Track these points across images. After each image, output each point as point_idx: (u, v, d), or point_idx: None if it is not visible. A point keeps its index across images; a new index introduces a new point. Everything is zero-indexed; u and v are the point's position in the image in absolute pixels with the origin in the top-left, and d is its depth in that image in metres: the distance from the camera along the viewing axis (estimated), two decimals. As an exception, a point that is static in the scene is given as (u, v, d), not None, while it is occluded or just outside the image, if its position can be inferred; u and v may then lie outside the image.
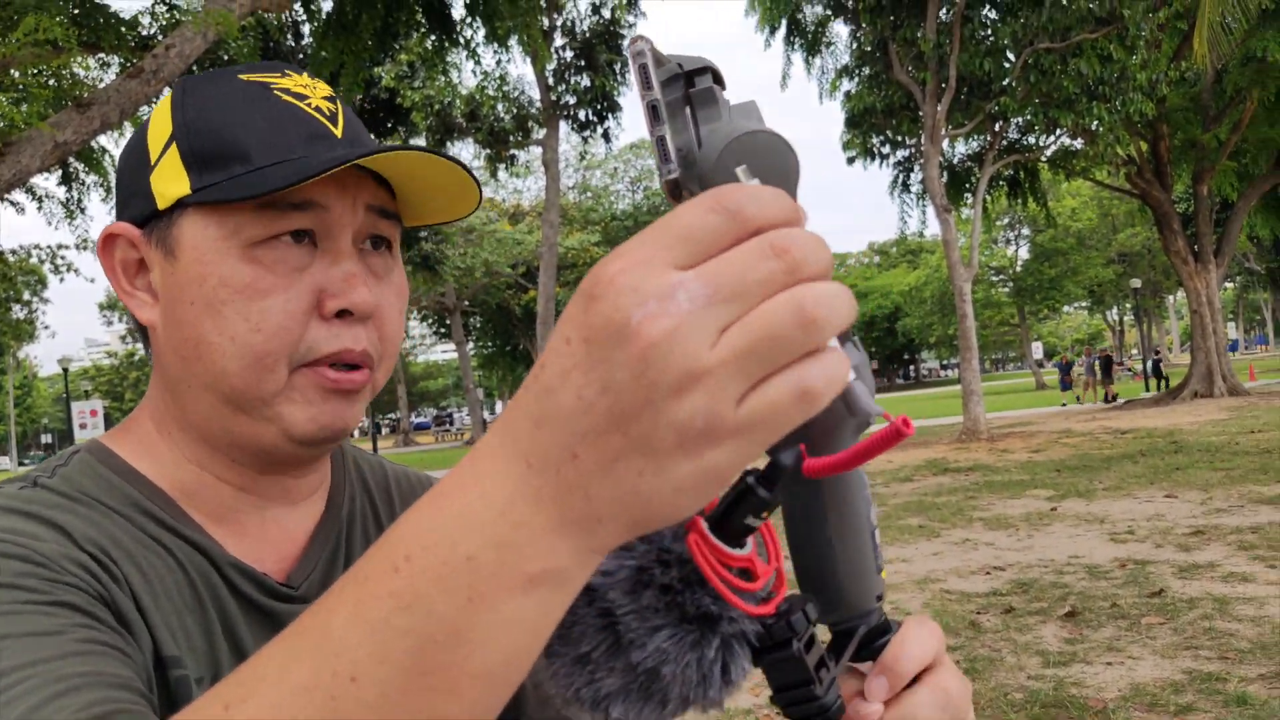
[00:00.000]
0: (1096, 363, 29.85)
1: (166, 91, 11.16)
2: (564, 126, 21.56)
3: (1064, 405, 29.68)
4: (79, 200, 15.51)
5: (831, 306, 0.37)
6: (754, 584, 0.49)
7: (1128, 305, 63.75)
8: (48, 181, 15.31)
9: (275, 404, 0.71)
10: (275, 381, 0.70)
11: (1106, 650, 4.97)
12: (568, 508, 0.38)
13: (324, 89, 0.77)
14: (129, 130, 12.68)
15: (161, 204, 0.71)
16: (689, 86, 0.47)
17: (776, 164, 0.46)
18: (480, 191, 0.77)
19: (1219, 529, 7.73)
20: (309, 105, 0.74)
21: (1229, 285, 69.92)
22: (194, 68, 12.69)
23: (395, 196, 0.76)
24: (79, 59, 11.90)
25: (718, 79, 0.49)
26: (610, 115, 20.98)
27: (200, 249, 0.70)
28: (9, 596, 0.58)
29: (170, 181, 0.71)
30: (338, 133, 0.74)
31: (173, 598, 0.69)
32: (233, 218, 0.69)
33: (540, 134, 21.43)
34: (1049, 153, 20.81)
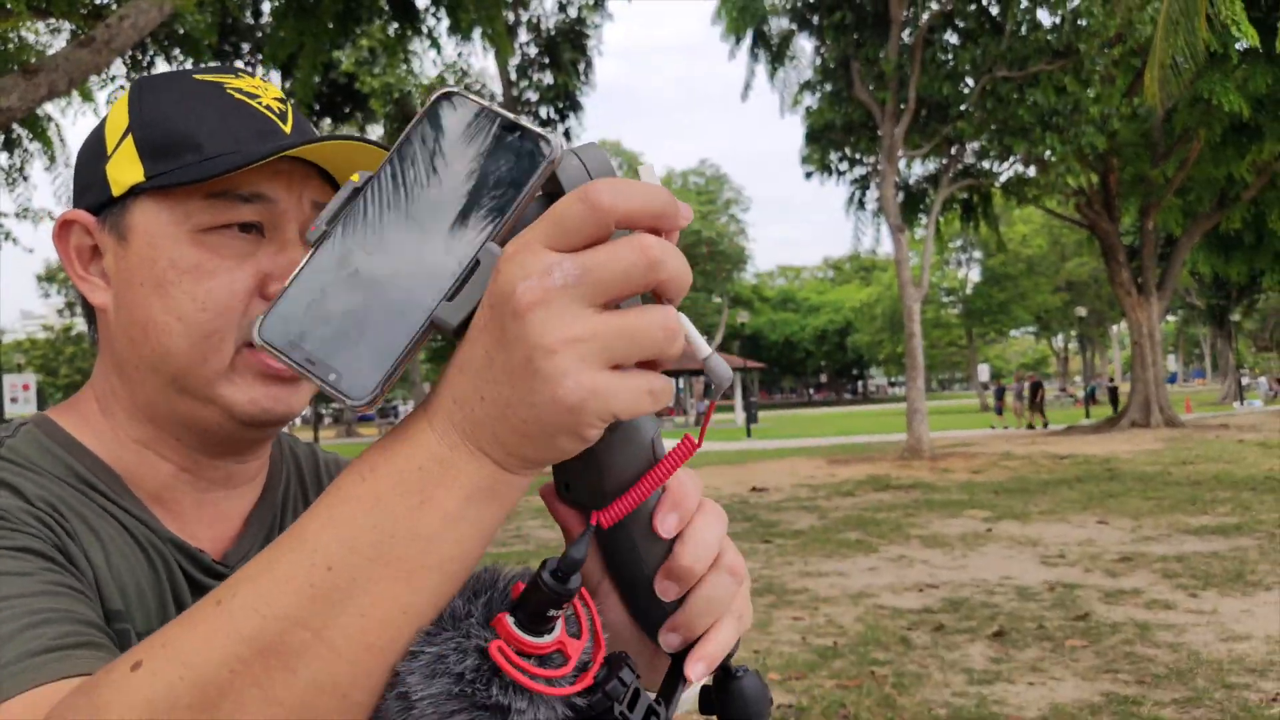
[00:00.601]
0: (1026, 388, 30.41)
1: (120, 81, 10.88)
2: (525, 122, 21.47)
3: (992, 428, 30.20)
4: (21, 167, 15.10)
5: (666, 264, 0.45)
6: (563, 669, 0.48)
7: (1073, 333, 65.11)
8: (-11, 147, 14.87)
9: (217, 385, 0.74)
10: (220, 360, 0.73)
11: (1030, 670, 5.04)
12: (479, 436, 0.46)
13: (274, 91, 0.81)
14: (77, 99, 12.37)
15: (116, 191, 0.74)
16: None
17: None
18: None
19: (1146, 556, 7.90)
20: (259, 104, 0.78)
21: (1170, 319, 71.77)
22: (147, 40, 12.42)
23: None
24: (28, 24, 11.57)
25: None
26: (572, 113, 20.92)
27: (151, 233, 0.73)
28: None
29: (125, 170, 0.74)
30: (286, 129, 0.78)
31: (125, 556, 0.72)
32: (183, 205, 0.73)
33: (501, 129, 21.29)
34: (1002, 179, 21.18)
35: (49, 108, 14.01)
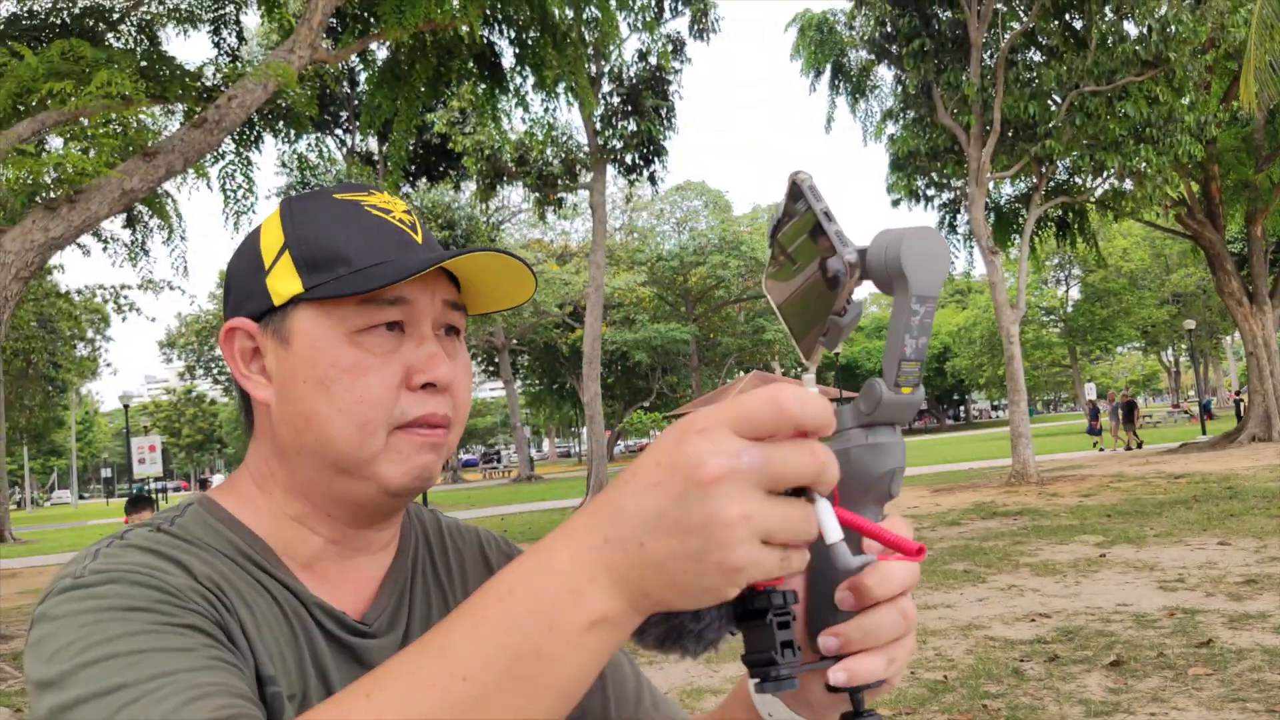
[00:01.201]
0: (1120, 409, 29.12)
1: (230, 157, 11.49)
2: (611, 170, 21.89)
3: (1100, 450, 29.12)
4: (143, 242, 16.03)
5: (831, 483, 0.56)
6: None
7: (1183, 346, 62.47)
8: (112, 224, 15.85)
9: (375, 464, 0.84)
10: (375, 444, 0.83)
11: (1151, 701, 4.92)
12: (626, 578, 0.54)
13: (401, 205, 0.92)
14: (192, 177, 13.14)
15: (277, 301, 0.85)
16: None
17: (936, 255, 0.62)
18: (536, 282, 0.93)
19: (1272, 578, 7.58)
20: (394, 218, 0.89)
21: (1289, 326, 68.22)
22: (254, 116, 13.15)
23: (460, 290, 0.92)
24: (145, 108, 12.38)
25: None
26: (656, 159, 21.26)
27: (312, 336, 0.84)
28: (148, 618, 0.72)
29: (285, 282, 0.85)
30: (418, 239, 0.89)
31: (272, 628, 0.82)
32: (338, 311, 0.83)
33: (587, 177, 21.78)
34: (1097, 194, 20.64)
35: (167, 186, 14.92)
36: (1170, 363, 71.05)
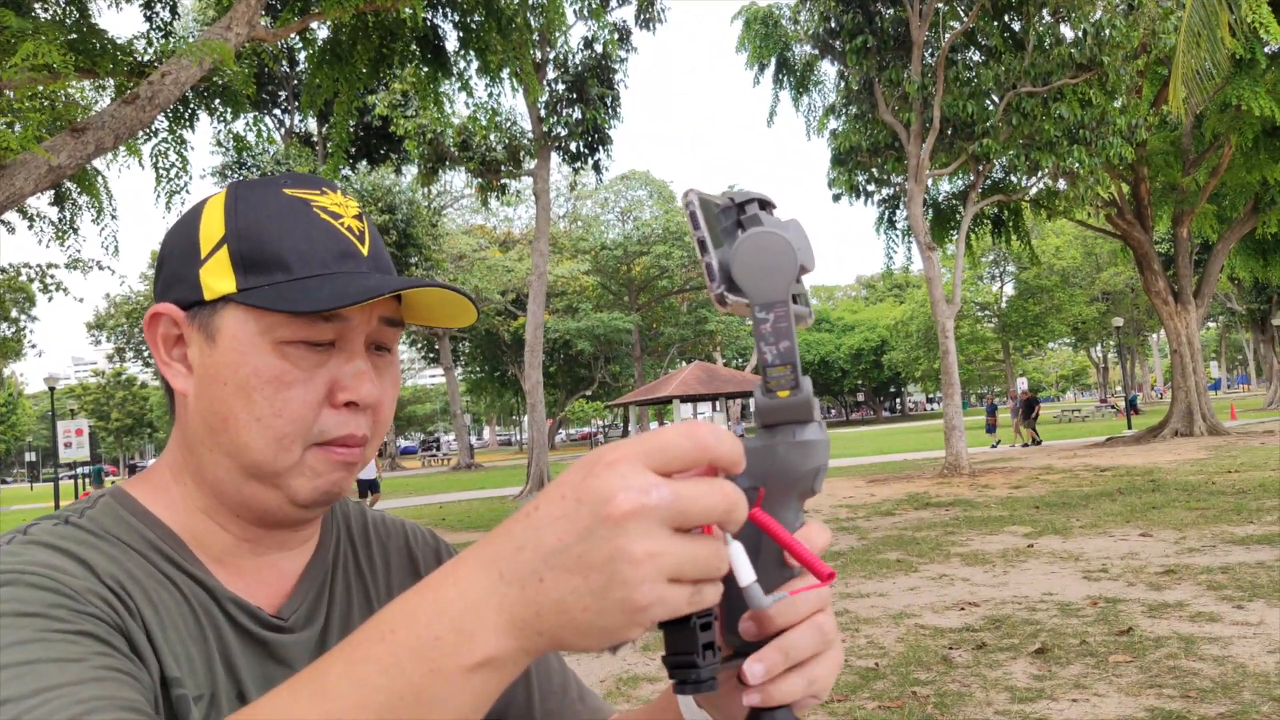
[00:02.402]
0: (1020, 406, 29.39)
1: (163, 135, 11.16)
2: (555, 157, 21.78)
3: (995, 445, 29.58)
4: (71, 220, 15.55)
5: (739, 521, 0.55)
6: None
7: (1111, 343, 64.25)
8: (39, 201, 15.35)
9: (286, 476, 0.82)
10: (290, 459, 0.81)
11: (1073, 687, 5.07)
12: (520, 617, 0.52)
13: (354, 208, 0.89)
14: (123, 154, 12.77)
15: (208, 295, 0.82)
16: (740, 214, 0.64)
17: (776, 255, 0.62)
18: (478, 313, 0.91)
19: (1190, 569, 7.86)
20: (342, 224, 0.86)
21: (1211, 325, 70.58)
22: (189, 93, 12.83)
23: (402, 303, 0.89)
24: (75, 83, 12.00)
25: (765, 204, 0.65)
26: (601, 147, 21.21)
27: (238, 340, 0.81)
28: (41, 625, 0.69)
29: (218, 278, 0.82)
30: (364, 250, 0.86)
31: (178, 627, 0.80)
32: (268, 318, 0.80)
33: (531, 164, 21.65)
34: (1032, 193, 21.12)
35: (96, 163, 14.49)
36: (1099, 359, 73.07)
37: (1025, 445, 28.30)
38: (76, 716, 0.62)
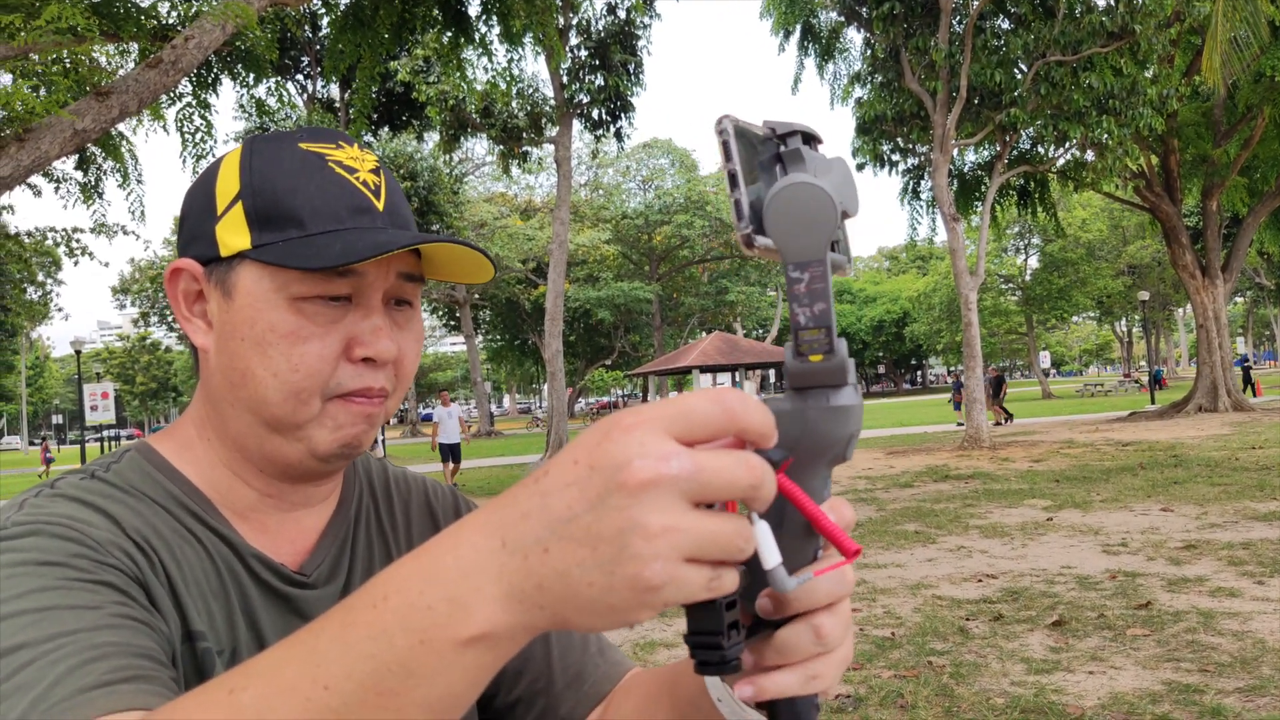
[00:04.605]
0: (989, 384, 29.05)
1: (188, 99, 11.15)
2: (577, 124, 21.68)
3: (960, 424, 28.42)
4: (96, 184, 15.64)
5: (767, 500, 0.50)
6: None
7: (1136, 317, 63.64)
8: (65, 165, 15.44)
9: (306, 428, 0.82)
10: (309, 411, 0.82)
11: (1090, 660, 5.07)
12: (521, 588, 0.48)
13: (371, 161, 0.87)
14: (148, 119, 12.81)
15: (224, 252, 0.82)
16: (780, 147, 0.59)
17: (814, 209, 0.56)
18: (495, 270, 0.90)
19: (1211, 544, 7.82)
20: (357, 179, 0.84)
21: (1239, 300, 69.68)
22: (211, 57, 12.83)
23: (421, 258, 0.88)
24: (99, 46, 12.02)
25: (810, 138, 0.59)
26: (623, 115, 21.07)
27: (254, 295, 0.81)
28: (61, 573, 0.70)
29: (234, 234, 0.82)
30: (380, 205, 0.85)
31: (200, 583, 0.81)
32: (283, 274, 0.80)
33: (553, 131, 21.55)
34: (1059, 164, 20.84)
35: (121, 127, 14.54)
36: (1123, 333, 72.38)
37: (997, 424, 27.66)
38: (87, 661, 0.63)
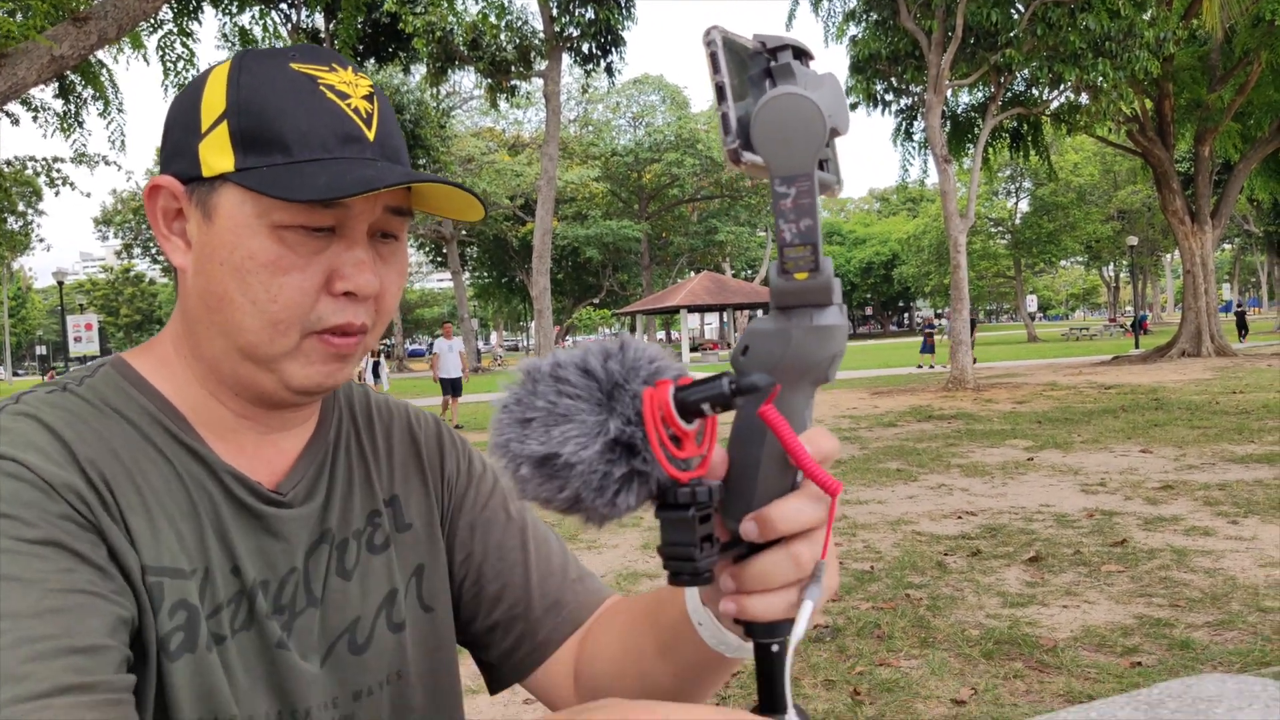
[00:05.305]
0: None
1: (169, 26, 10.92)
2: (567, 59, 21.31)
3: (919, 367, 28.81)
4: (76, 114, 15.35)
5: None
6: (680, 451, 0.59)
7: (1124, 263, 63.76)
8: (44, 94, 15.14)
9: (281, 361, 0.81)
10: (286, 344, 0.80)
11: (1064, 594, 5.18)
12: None
13: (364, 87, 0.84)
14: (127, 46, 12.54)
15: (206, 172, 0.79)
16: (770, 61, 0.58)
17: (802, 122, 0.55)
18: (486, 211, 0.88)
19: (1188, 485, 7.95)
20: (349, 105, 0.81)
21: (1227, 247, 69.83)
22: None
23: (410, 191, 0.86)
24: (77, -31, 11.69)
25: (800, 53, 0.58)
26: (614, 49, 20.72)
27: (235, 220, 0.79)
28: (7, 528, 0.68)
29: (217, 155, 0.79)
30: (370, 135, 0.82)
31: (166, 505, 0.79)
32: (265, 201, 0.77)
33: (542, 65, 21.20)
34: (1052, 107, 20.67)
35: (101, 54, 14.22)
36: (1110, 278, 72.57)
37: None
38: (25, 659, 0.63)
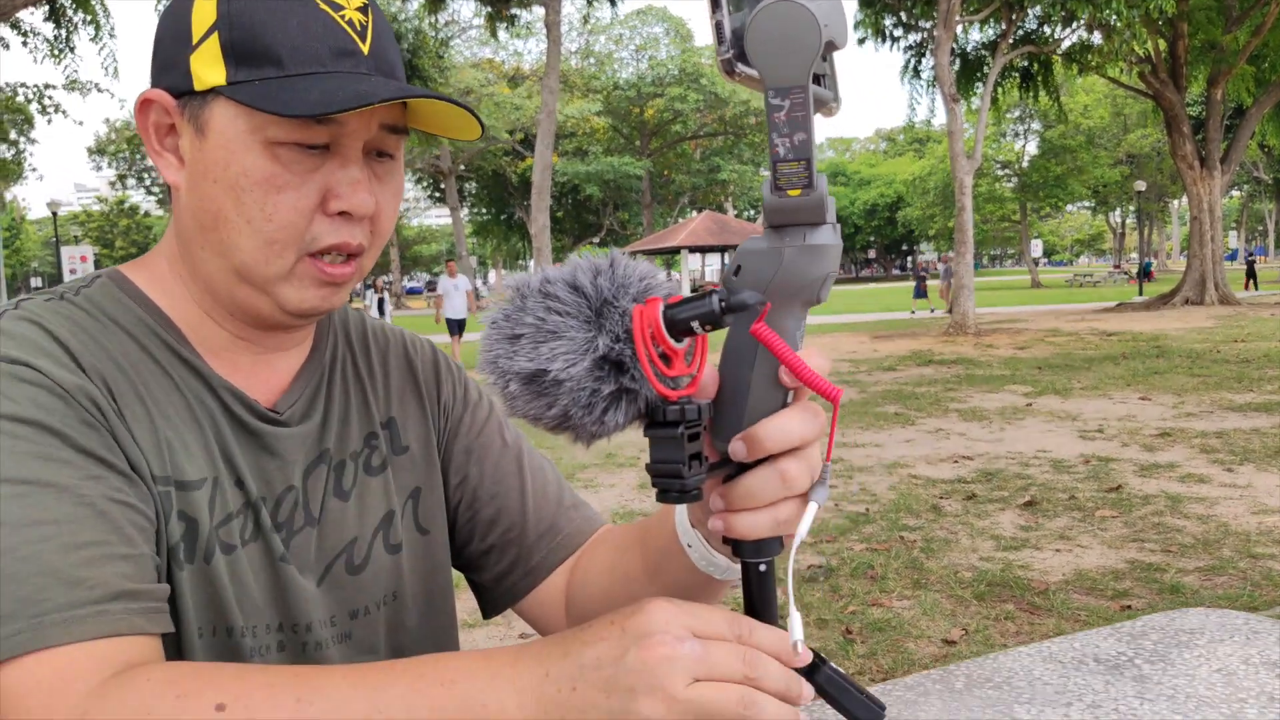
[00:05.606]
0: (945, 270, 28.08)
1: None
2: (569, -12, 20.85)
3: (913, 313, 28.50)
4: (68, 39, 15.06)
5: (761, 708, 0.58)
6: (669, 369, 0.59)
7: (1130, 208, 63.25)
8: (33, 18, 14.84)
9: (276, 284, 0.80)
10: (282, 265, 0.79)
11: (1058, 538, 5.18)
12: (550, 714, 0.59)
13: None
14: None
15: (198, 86, 0.77)
16: None
17: (797, 31, 0.54)
18: (484, 129, 0.85)
19: (1185, 432, 7.93)
20: (343, 16, 0.79)
21: (1235, 194, 69.25)
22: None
23: (406, 108, 0.83)
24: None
25: None
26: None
27: (227, 136, 0.77)
28: (34, 435, 0.69)
29: (208, 67, 0.77)
30: (365, 49, 0.79)
31: (169, 415, 0.80)
32: (258, 116, 0.75)
33: (544, -5, 20.73)
34: (1064, 46, 20.27)
35: (90, -25, 13.88)
36: (1117, 224, 72.08)
37: (950, 311, 27.64)
38: (74, 564, 0.65)
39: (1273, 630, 1.05)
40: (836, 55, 0.61)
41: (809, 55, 0.54)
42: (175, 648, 0.76)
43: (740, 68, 0.57)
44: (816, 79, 0.57)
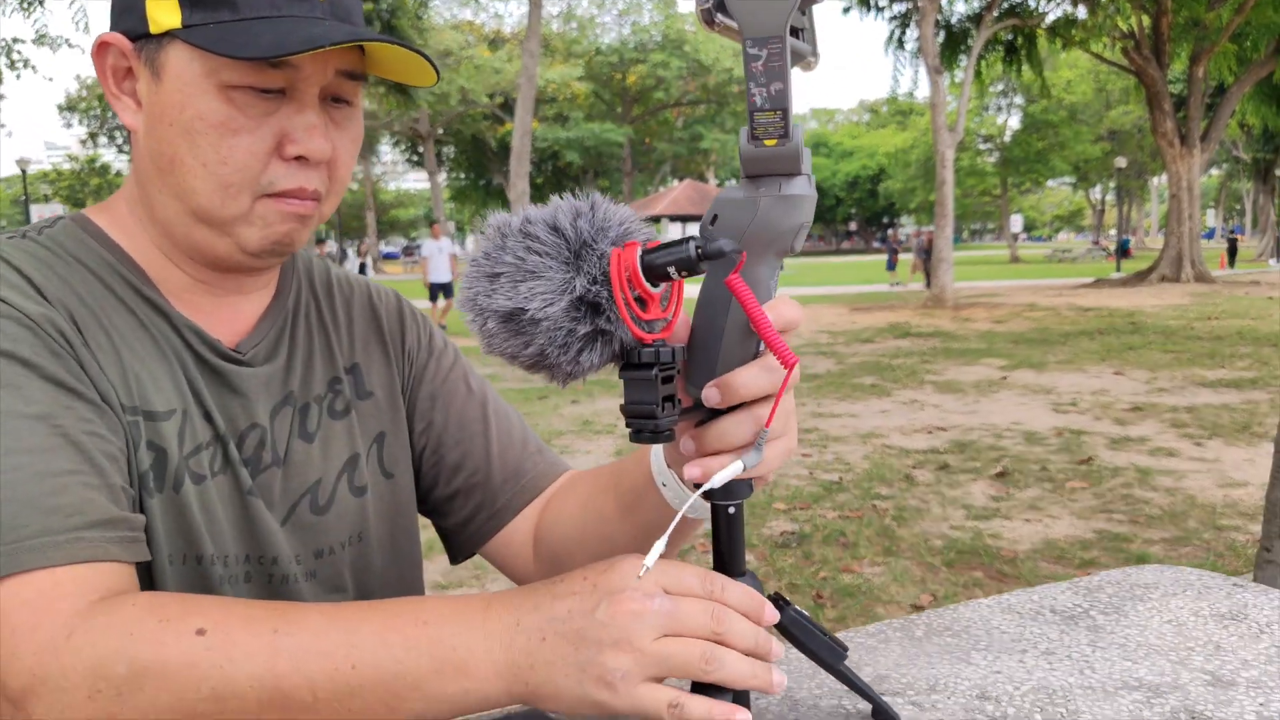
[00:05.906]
0: (920, 244, 27.78)
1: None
2: (553, -49, 20.58)
3: (893, 286, 28.44)
4: (36, -10, 14.71)
5: (722, 663, 0.61)
6: (645, 313, 0.61)
7: (1110, 184, 63.57)
8: (3, -33, 14.48)
9: (234, 224, 0.81)
10: (238, 207, 0.80)
11: (1028, 509, 5.25)
12: (517, 663, 0.62)
13: None
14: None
15: (154, 29, 0.77)
16: None
17: None
18: (439, 77, 0.86)
19: (1157, 407, 8.03)
20: None
21: (1214, 173, 69.72)
22: None
23: (364, 55, 0.82)
24: None
25: None
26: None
27: (183, 79, 0.77)
28: (6, 367, 0.69)
29: (164, 11, 0.77)
30: None
31: (135, 350, 0.80)
32: (213, 59, 0.76)
33: (527, -43, 20.46)
34: (1049, 20, 20.25)
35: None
36: (1097, 200, 72.45)
37: (927, 287, 27.59)
38: (48, 492, 0.66)
39: (1223, 585, 1.08)
40: (817, 11, 0.62)
41: (787, 5, 0.55)
42: (147, 575, 0.77)
43: (720, 18, 0.58)
44: (795, 33, 0.57)
